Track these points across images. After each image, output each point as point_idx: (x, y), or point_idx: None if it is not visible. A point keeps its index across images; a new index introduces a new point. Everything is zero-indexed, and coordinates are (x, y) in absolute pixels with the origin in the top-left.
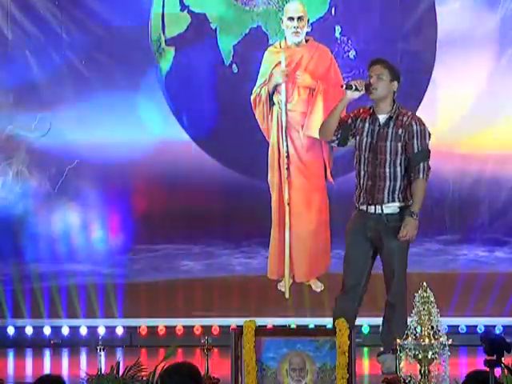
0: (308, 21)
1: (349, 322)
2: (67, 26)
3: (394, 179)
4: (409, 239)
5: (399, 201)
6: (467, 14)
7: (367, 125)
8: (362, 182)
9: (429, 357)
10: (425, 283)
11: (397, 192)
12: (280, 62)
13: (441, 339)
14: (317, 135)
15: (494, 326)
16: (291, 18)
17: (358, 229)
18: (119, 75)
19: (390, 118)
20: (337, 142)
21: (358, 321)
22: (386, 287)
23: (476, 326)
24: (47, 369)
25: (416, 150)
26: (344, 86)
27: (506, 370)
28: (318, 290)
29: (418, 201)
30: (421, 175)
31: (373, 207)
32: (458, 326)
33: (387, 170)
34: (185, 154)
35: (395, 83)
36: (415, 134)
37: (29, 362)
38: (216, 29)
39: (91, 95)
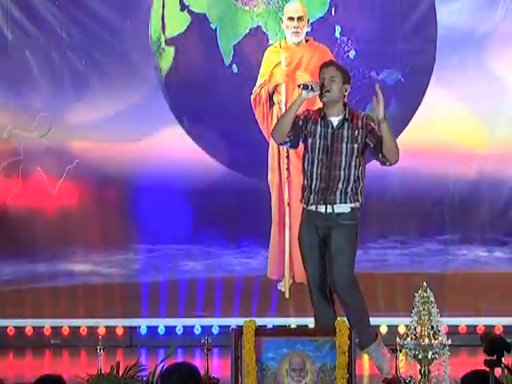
0: (308, 21)
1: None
2: (67, 25)
3: (347, 181)
4: (379, 102)
5: (351, 202)
6: (467, 14)
7: (319, 127)
8: (313, 183)
9: (429, 357)
10: (425, 283)
11: (349, 194)
12: (280, 62)
13: (440, 339)
14: None
15: (494, 326)
16: (291, 18)
17: (311, 231)
18: (119, 75)
19: (345, 119)
20: (289, 143)
21: None
22: (331, 283)
23: (476, 326)
24: (47, 369)
25: (379, 134)
26: (301, 86)
27: (506, 370)
28: None
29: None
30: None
31: (323, 207)
32: (458, 326)
33: (342, 172)
34: (185, 154)
35: (347, 86)
36: (375, 126)
37: (29, 362)
38: (216, 29)
39: (91, 95)
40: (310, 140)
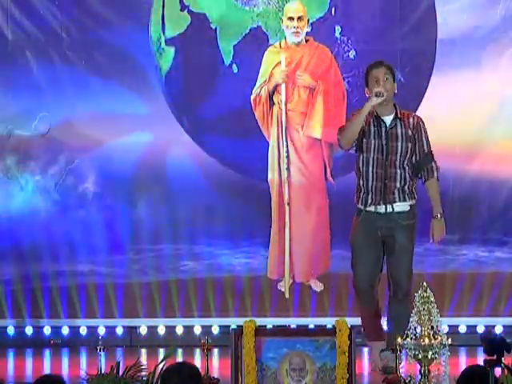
0: (308, 21)
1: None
2: (67, 26)
3: (404, 179)
4: (439, 240)
5: (409, 199)
6: (467, 13)
7: (372, 127)
8: (370, 183)
9: (429, 357)
10: (425, 283)
11: (407, 191)
12: (280, 62)
13: (440, 339)
14: (317, 135)
15: (494, 326)
16: (291, 18)
17: (368, 231)
18: (119, 75)
19: (397, 118)
20: (355, 148)
21: (358, 321)
22: (392, 284)
23: (476, 326)
24: (47, 369)
25: (426, 151)
26: (375, 95)
27: (505, 370)
28: (318, 289)
29: (437, 201)
30: (435, 175)
31: (383, 206)
32: (458, 326)
33: (398, 170)
34: (185, 154)
35: (395, 84)
36: (424, 135)
37: (29, 362)
38: (216, 29)
39: (91, 95)
40: (364, 140)
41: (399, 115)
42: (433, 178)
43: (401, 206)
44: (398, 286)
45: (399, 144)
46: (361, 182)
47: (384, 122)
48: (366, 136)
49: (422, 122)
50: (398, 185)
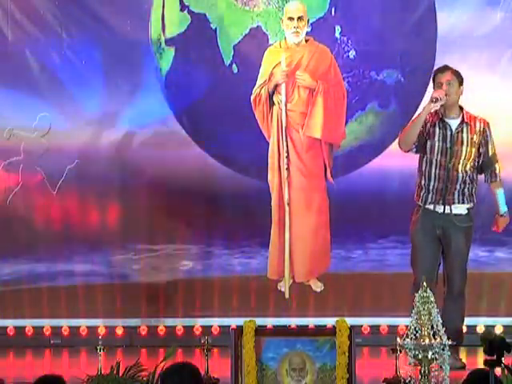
0: (308, 21)
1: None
2: (67, 25)
3: (464, 182)
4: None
5: (468, 202)
6: (467, 14)
7: (438, 129)
8: (432, 184)
9: (429, 357)
10: (425, 283)
11: (466, 194)
12: (280, 62)
13: (440, 339)
14: (317, 135)
15: (494, 326)
16: (291, 18)
17: (426, 228)
18: (119, 75)
19: (464, 122)
20: (415, 150)
21: (359, 321)
22: (447, 282)
23: (476, 326)
24: (47, 369)
25: (490, 154)
26: (433, 100)
27: (506, 370)
28: (318, 289)
29: (501, 200)
30: (498, 178)
31: (442, 207)
32: None
33: (460, 174)
34: (185, 154)
35: (462, 88)
36: (489, 139)
37: (29, 362)
38: (216, 29)
39: (91, 95)
40: (428, 142)
41: (466, 119)
42: (497, 181)
43: (459, 209)
44: (452, 286)
45: (464, 148)
46: (422, 182)
47: (450, 126)
48: (430, 138)
49: (489, 126)
50: (458, 187)
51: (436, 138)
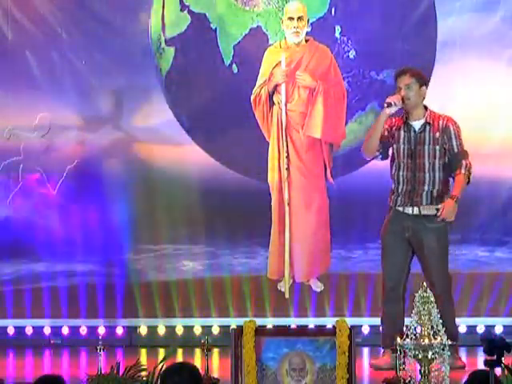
0: (308, 21)
1: (398, 325)
2: (67, 25)
3: (432, 183)
4: (445, 219)
5: (437, 203)
6: (467, 14)
7: (402, 132)
8: (400, 187)
9: (429, 357)
10: (425, 283)
11: (435, 195)
12: (280, 62)
13: (440, 339)
14: (317, 135)
15: (494, 326)
16: (291, 18)
17: (396, 230)
18: (119, 75)
19: (427, 123)
20: (380, 156)
21: (358, 321)
22: (429, 285)
23: (476, 326)
24: (47, 369)
25: (456, 150)
26: (386, 105)
27: (506, 370)
28: (318, 289)
29: (458, 187)
30: (462, 170)
31: (410, 208)
32: (458, 326)
33: (426, 174)
34: (185, 154)
35: (424, 88)
36: (453, 135)
37: (29, 362)
38: (216, 29)
39: (91, 95)
40: (395, 146)
41: (428, 119)
42: (459, 174)
43: (428, 210)
44: (433, 288)
45: (426, 147)
46: (393, 186)
47: (413, 127)
48: (396, 141)
49: (453, 123)
50: (426, 188)
51: (401, 141)
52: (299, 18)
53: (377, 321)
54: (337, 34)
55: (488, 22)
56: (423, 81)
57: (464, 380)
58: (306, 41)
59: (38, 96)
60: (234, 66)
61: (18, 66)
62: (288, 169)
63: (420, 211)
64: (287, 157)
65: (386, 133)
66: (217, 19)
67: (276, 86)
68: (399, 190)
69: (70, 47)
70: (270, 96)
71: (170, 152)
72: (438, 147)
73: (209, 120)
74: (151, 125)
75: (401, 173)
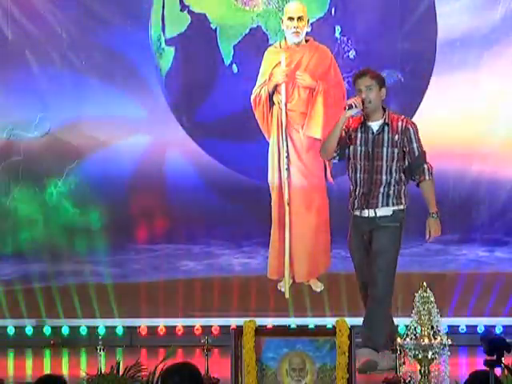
0: (308, 21)
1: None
2: (67, 25)
3: (388, 185)
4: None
5: (393, 204)
6: (467, 14)
7: (359, 134)
8: (357, 189)
9: (429, 357)
10: (425, 283)
11: (391, 197)
12: (280, 62)
13: (440, 339)
14: (317, 135)
15: (494, 326)
16: (291, 18)
17: (357, 236)
18: (119, 75)
19: (385, 124)
20: (337, 157)
21: (358, 321)
22: (370, 284)
23: (476, 326)
24: (47, 369)
25: (417, 154)
26: (346, 107)
27: (506, 370)
28: (318, 289)
29: (432, 201)
30: (427, 176)
31: (366, 211)
32: (458, 326)
33: (384, 176)
34: (185, 154)
35: (383, 90)
36: (413, 138)
37: (29, 362)
38: (216, 29)
39: (91, 95)
40: (351, 147)
41: (387, 120)
42: (425, 180)
43: (383, 211)
44: (373, 288)
45: (384, 150)
46: (351, 188)
47: (371, 128)
48: (353, 143)
49: (412, 124)
50: (382, 190)
51: (358, 143)
52: (299, 18)
53: None
54: (337, 34)
55: (488, 21)
56: (383, 82)
57: (464, 380)
58: (306, 41)
59: (38, 96)
60: (233, 65)
61: (18, 66)
62: (288, 169)
63: (376, 213)
64: (287, 157)
65: (344, 134)
66: (217, 19)
67: (276, 86)
68: (356, 192)
69: (70, 47)
70: (270, 96)
71: (170, 151)
72: (396, 150)
73: (209, 120)
74: (150, 124)
75: (358, 175)
